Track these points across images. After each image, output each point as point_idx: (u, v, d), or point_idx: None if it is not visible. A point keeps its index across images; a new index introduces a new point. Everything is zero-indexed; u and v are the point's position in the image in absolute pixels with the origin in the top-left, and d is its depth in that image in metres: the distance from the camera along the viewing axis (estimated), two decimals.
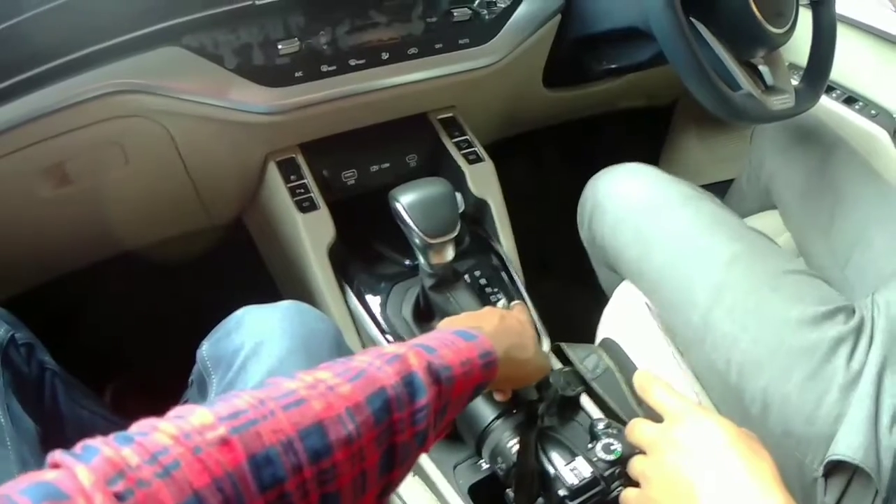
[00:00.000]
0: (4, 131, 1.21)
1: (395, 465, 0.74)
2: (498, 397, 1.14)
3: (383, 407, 0.72)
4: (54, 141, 1.28)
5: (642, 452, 0.94)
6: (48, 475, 0.53)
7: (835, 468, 1.17)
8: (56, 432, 1.17)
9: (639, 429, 0.94)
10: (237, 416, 0.61)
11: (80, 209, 1.47)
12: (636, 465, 0.92)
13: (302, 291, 1.50)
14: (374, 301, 1.39)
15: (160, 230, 1.70)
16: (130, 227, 1.62)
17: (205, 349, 1.11)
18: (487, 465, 1.18)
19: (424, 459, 1.28)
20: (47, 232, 1.48)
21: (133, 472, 0.53)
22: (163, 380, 1.28)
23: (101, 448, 0.55)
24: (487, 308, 1.16)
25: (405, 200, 1.20)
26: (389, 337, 1.32)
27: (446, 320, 1.13)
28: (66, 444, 0.70)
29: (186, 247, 1.76)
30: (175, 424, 0.59)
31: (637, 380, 1.01)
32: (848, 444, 1.14)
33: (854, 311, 1.28)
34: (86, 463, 0.53)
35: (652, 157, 2.30)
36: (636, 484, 0.93)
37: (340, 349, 1.11)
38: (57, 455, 0.56)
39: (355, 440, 0.67)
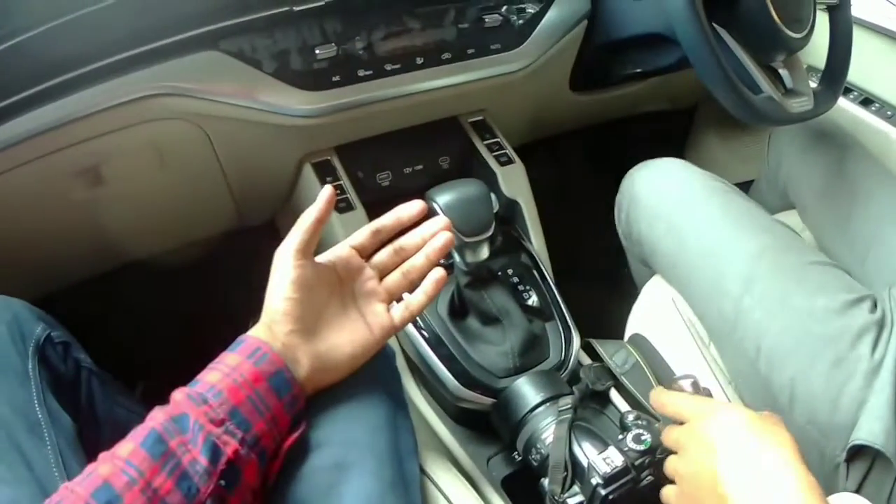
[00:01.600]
0: (43, 133, 1.22)
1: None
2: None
3: (157, 441, 0.79)
4: (91, 143, 1.30)
5: (670, 424, 0.99)
6: None
7: (856, 454, 1.20)
8: (93, 430, 1.18)
9: (670, 433, 0.97)
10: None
11: (113, 211, 1.49)
12: (669, 465, 0.95)
13: None
14: None
15: (192, 232, 1.71)
16: (163, 228, 1.64)
17: None
18: (520, 458, 1.21)
19: (459, 452, 1.32)
20: (80, 233, 1.49)
21: None
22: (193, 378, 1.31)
23: None
24: None
25: (442, 200, 1.23)
26: (424, 332, 1.33)
27: None
28: (103, 441, 0.78)
29: (217, 248, 1.77)
30: None
31: (652, 399, 1.03)
32: (869, 430, 1.17)
33: (877, 302, 1.31)
34: None
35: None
36: (669, 480, 0.96)
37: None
38: None
39: (138, 480, 0.76)
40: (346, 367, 0.98)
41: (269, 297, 0.96)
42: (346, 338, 0.98)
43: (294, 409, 0.91)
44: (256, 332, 0.93)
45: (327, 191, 1.01)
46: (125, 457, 0.78)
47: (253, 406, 0.86)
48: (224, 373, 0.87)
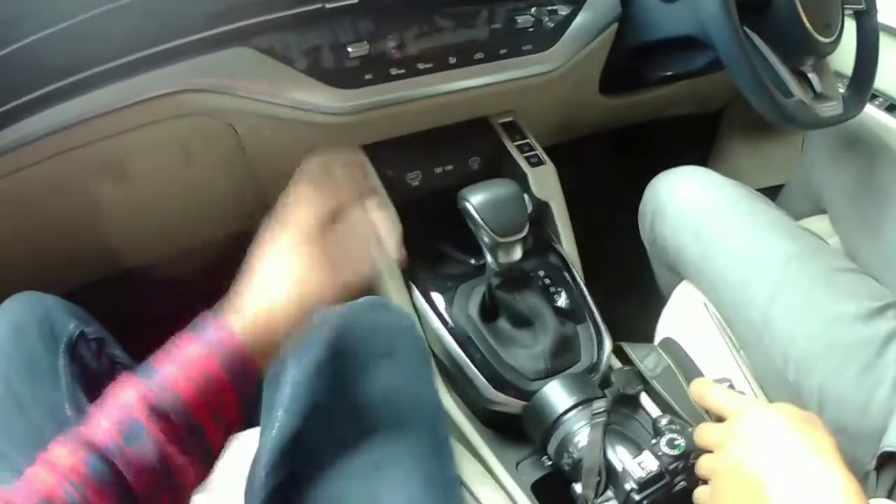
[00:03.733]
0: (69, 127, 1.22)
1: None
2: None
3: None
4: (118, 139, 1.29)
5: (703, 424, 0.97)
6: None
7: (886, 461, 1.19)
8: None
9: (706, 431, 0.95)
10: None
11: (139, 206, 1.49)
12: (704, 464, 0.94)
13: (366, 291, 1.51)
14: (439, 299, 1.40)
15: (218, 229, 1.71)
16: (188, 225, 1.64)
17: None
18: (551, 462, 1.21)
19: (489, 456, 1.31)
20: (105, 228, 1.49)
21: None
22: None
23: None
24: (288, 235, 0.90)
25: (475, 200, 1.22)
26: (455, 334, 1.33)
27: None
28: None
29: (241, 247, 1.77)
30: None
31: (693, 388, 1.02)
32: None
33: None
34: None
35: (700, 162, 2.30)
36: (699, 482, 0.95)
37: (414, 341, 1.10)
38: None
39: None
40: None
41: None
42: None
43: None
44: None
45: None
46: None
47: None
48: None
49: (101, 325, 1.24)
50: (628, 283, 1.91)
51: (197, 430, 0.78)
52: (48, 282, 1.27)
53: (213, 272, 1.74)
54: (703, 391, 1.00)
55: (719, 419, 0.96)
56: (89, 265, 1.61)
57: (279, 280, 0.86)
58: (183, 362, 0.79)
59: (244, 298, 0.85)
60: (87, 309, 1.25)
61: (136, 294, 1.70)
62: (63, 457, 0.72)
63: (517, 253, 1.25)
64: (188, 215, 1.62)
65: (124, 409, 0.75)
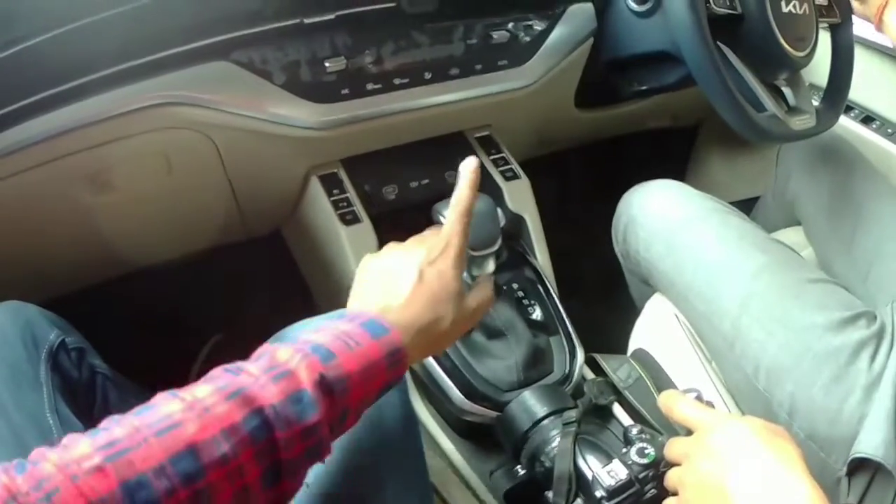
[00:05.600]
0: (52, 137, 1.22)
1: (283, 478, 0.74)
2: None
3: (261, 426, 0.71)
4: (100, 149, 1.30)
5: (673, 436, 0.98)
6: None
7: (857, 467, 1.20)
8: None
9: (674, 445, 0.96)
10: (112, 445, 0.65)
11: (120, 217, 1.49)
12: (672, 476, 0.94)
13: (342, 302, 1.50)
14: None
15: (197, 240, 1.72)
16: (169, 235, 1.64)
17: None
18: (524, 471, 1.21)
19: (462, 465, 1.32)
20: (87, 237, 1.50)
21: (23, 498, 0.60)
22: None
23: (1, 476, 0.61)
24: (410, 253, 0.98)
25: None
26: None
27: (365, 266, 1.02)
28: None
29: (224, 259, 1.78)
30: (59, 455, 0.64)
31: (662, 400, 1.02)
32: (870, 443, 1.18)
33: (875, 317, 1.32)
34: None
35: (677, 176, 2.33)
36: (669, 493, 0.95)
37: None
38: None
39: (231, 460, 0.69)
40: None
41: (458, 321, 0.96)
42: None
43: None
44: None
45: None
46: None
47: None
48: None
49: (81, 335, 1.25)
50: (602, 295, 1.92)
51: (345, 415, 0.80)
52: (30, 291, 1.28)
53: (195, 283, 1.76)
54: (671, 403, 1.00)
55: (689, 432, 0.96)
56: (72, 275, 1.61)
57: (429, 307, 0.93)
58: (353, 348, 0.81)
59: (403, 313, 0.90)
60: (69, 319, 1.25)
61: (118, 304, 1.71)
62: (220, 407, 0.71)
63: (490, 266, 1.25)
64: (170, 226, 1.62)
65: (293, 376, 0.76)
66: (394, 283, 0.95)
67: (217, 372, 0.77)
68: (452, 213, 1.00)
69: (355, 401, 0.81)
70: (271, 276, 1.90)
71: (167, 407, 0.70)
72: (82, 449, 0.65)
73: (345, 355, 0.80)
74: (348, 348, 0.80)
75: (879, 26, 1.56)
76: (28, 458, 0.65)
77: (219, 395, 0.72)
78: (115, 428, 0.67)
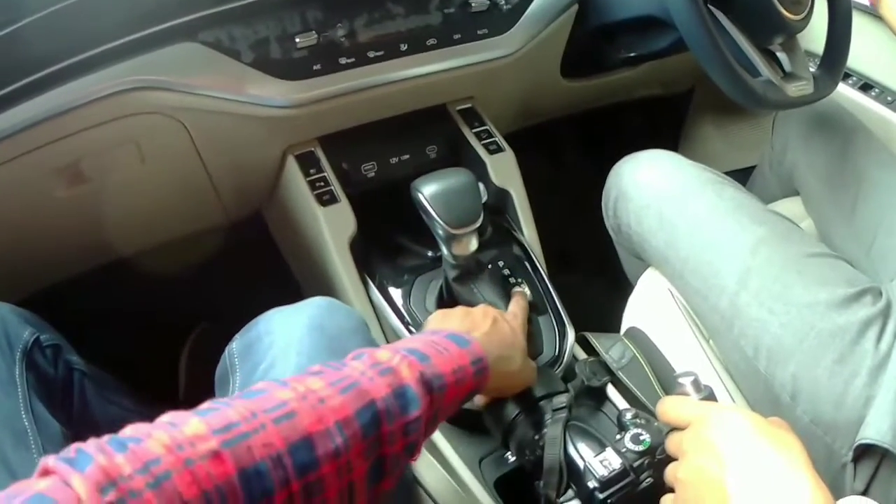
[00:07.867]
0: (20, 131, 1.21)
1: (385, 474, 0.76)
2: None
3: (372, 421, 0.73)
4: (70, 140, 1.28)
5: (673, 430, 0.94)
6: (40, 485, 0.54)
7: (864, 453, 1.17)
8: (88, 432, 1.14)
9: (673, 439, 0.93)
10: (229, 429, 0.62)
11: (97, 208, 1.47)
12: (669, 472, 0.91)
13: (323, 285, 1.49)
14: (396, 293, 1.39)
15: (177, 227, 1.70)
16: (147, 224, 1.62)
17: (234, 346, 1.10)
18: (514, 459, 1.18)
19: (450, 453, 1.28)
20: (63, 231, 1.48)
21: (125, 483, 0.55)
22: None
23: (95, 455, 0.56)
24: (482, 308, 1.12)
25: (427, 191, 1.18)
26: (413, 329, 1.31)
27: (438, 315, 1.11)
28: None
29: (204, 245, 1.77)
30: (168, 434, 0.60)
31: (657, 409, 0.98)
32: (877, 429, 1.14)
33: (881, 293, 1.28)
34: (80, 471, 0.55)
35: (670, 145, 2.29)
36: (670, 489, 0.92)
37: (369, 346, 1.09)
38: (50, 461, 0.57)
39: (343, 453, 0.69)
40: None
41: (526, 368, 1.11)
42: None
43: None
44: None
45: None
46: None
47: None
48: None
49: (57, 332, 1.24)
50: (593, 271, 1.90)
51: (436, 416, 0.86)
52: (4, 290, 1.28)
53: (174, 273, 1.73)
54: (664, 409, 0.96)
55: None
56: (47, 271, 1.59)
57: (502, 346, 1.04)
58: (443, 353, 0.88)
59: (481, 340, 0.98)
60: (44, 315, 1.24)
61: (95, 298, 1.69)
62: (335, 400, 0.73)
63: (473, 244, 1.22)
64: (148, 216, 1.60)
65: (396, 373, 0.80)
66: (472, 321, 1.06)
67: (316, 368, 0.78)
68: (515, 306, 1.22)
69: (448, 402, 0.87)
70: (251, 260, 1.88)
71: (280, 394, 0.70)
72: (196, 428, 0.61)
73: (438, 358, 0.86)
74: (440, 353, 0.88)
75: (876, 3, 1.53)
76: (122, 434, 0.61)
77: (332, 388, 0.73)
78: (227, 410, 0.65)
